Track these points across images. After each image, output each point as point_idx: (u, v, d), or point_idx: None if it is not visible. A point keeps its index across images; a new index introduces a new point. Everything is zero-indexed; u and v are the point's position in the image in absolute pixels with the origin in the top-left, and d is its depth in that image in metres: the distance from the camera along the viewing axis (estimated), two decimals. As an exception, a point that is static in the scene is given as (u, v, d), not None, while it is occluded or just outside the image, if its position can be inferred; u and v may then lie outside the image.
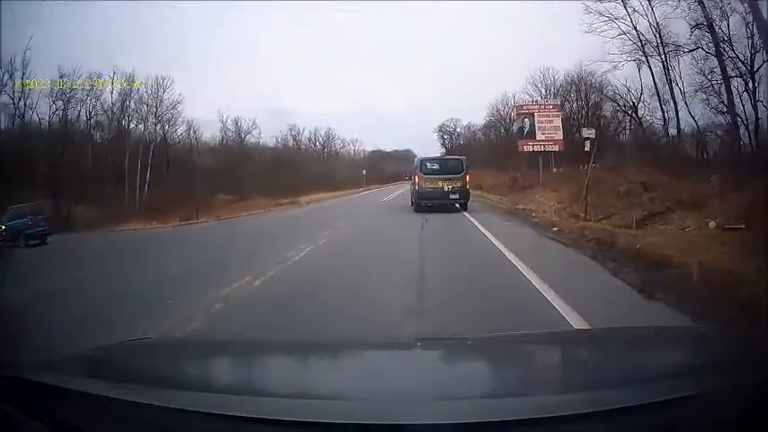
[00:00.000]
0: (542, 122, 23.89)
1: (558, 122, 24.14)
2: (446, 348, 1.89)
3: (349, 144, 55.37)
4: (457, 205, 17.42)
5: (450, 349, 1.88)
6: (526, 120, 24.14)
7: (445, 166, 17.72)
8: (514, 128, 26.10)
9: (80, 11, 40.50)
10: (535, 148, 24.03)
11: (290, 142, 47.04)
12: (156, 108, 29.20)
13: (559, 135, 24.15)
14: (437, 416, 1.08)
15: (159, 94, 29.04)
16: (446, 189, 17.10)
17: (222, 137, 38.32)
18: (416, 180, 17.55)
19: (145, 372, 1.55)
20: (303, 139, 48.69)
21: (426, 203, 16.89)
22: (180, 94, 29.40)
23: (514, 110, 27.12)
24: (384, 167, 45.37)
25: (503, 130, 40.45)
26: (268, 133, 46.22)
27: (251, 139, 39.84)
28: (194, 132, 34.56)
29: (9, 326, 4.77)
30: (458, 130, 54.16)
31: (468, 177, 17.70)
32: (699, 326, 3.98)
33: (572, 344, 2.03)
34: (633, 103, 26.46)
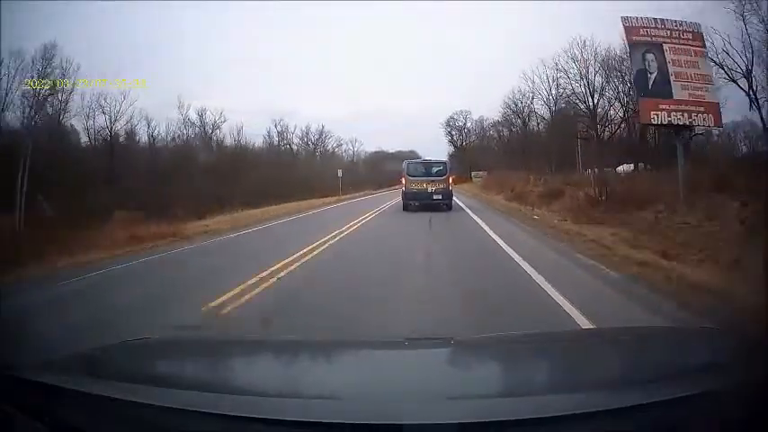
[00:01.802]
0: (679, 64, 12.40)
1: (704, 66, 12.75)
2: (446, 349, 1.89)
3: (347, 143, 52.41)
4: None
5: (450, 350, 1.88)
6: (649, 55, 12.65)
7: (429, 169, 18.96)
8: (633, 69, 14.08)
9: (80, 11, 40.45)
10: (673, 118, 12.14)
11: (276, 139, 42.56)
12: (38, 89, 22.02)
13: (713, 94, 12.83)
14: (439, 416, 1.08)
15: (43, 67, 22.01)
16: (430, 190, 18.28)
17: (183, 132, 32.67)
18: (403, 182, 18.92)
19: (145, 372, 1.55)
20: (294, 137, 45.41)
21: (413, 203, 18.13)
22: (67, 61, 22.13)
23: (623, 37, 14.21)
24: (384, 169, 40.61)
25: (519, 123, 34.91)
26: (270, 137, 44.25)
27: (219, 134, 34.33)
28: (148, 127, 29.67)
29: (9, 326, 4.74)
30: (468, 124, 50.34)
31: (451, 179, 18.97)
32: (700, 326, 3.97)
33: (572, 344, 2.02)
34: (746, 67, 17.64)
